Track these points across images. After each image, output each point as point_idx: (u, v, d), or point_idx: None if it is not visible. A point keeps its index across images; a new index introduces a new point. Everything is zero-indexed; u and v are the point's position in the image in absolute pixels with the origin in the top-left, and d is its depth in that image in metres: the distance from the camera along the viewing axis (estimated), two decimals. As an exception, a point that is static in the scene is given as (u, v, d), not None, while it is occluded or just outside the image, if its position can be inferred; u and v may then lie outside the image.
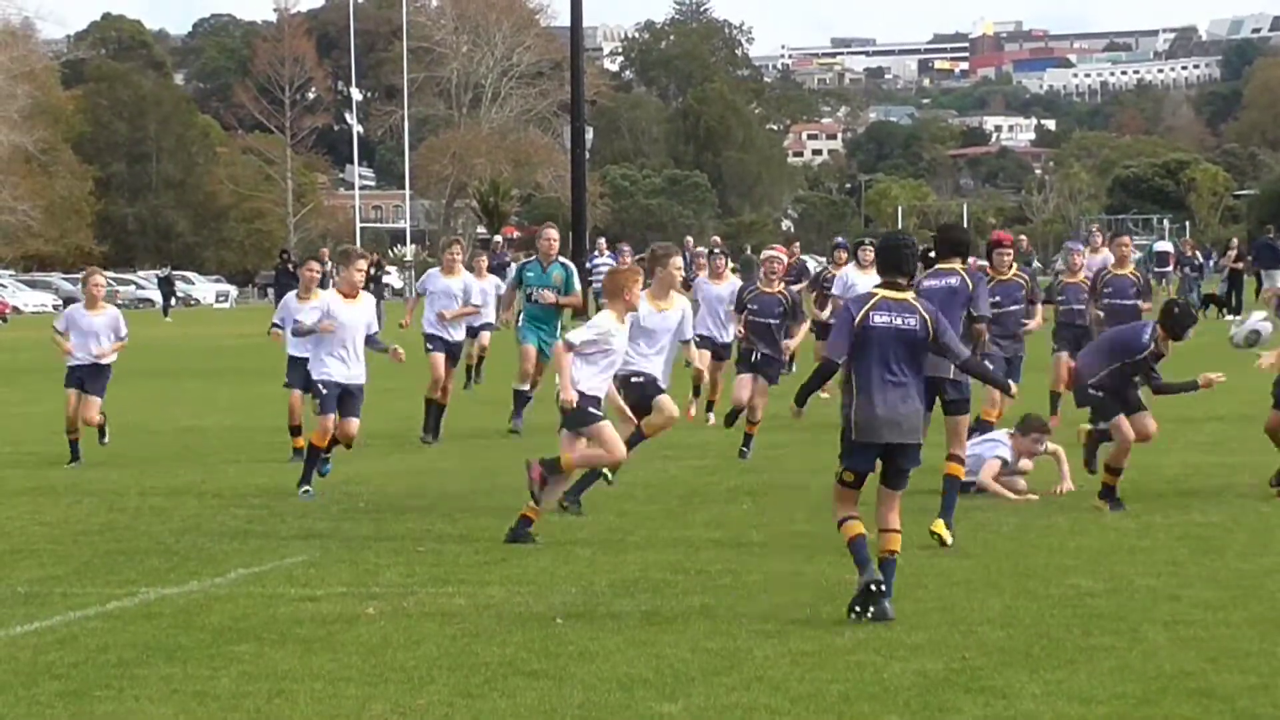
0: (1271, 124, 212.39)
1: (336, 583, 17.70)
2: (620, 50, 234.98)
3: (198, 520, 22.06)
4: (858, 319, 15.47)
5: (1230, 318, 60.76)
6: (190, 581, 17.84)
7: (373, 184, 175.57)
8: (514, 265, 39.23)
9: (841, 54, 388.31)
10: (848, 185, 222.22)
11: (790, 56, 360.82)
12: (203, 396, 42.85)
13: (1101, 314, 28.18)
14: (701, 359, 28.09)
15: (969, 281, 19.71)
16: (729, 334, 31.33)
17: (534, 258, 31.56)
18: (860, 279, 31.88)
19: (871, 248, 31.72)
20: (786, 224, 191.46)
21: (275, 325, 29.53)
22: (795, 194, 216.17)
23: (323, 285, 29.23)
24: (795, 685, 13.03)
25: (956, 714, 12.24)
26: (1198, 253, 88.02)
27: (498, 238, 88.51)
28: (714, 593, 16.69)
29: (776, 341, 27.88)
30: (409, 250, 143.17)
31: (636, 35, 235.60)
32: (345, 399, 23.65)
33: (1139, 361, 21.40)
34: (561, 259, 31.56)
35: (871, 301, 15.65)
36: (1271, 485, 22.13)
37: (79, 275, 30.27)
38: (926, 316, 15.65)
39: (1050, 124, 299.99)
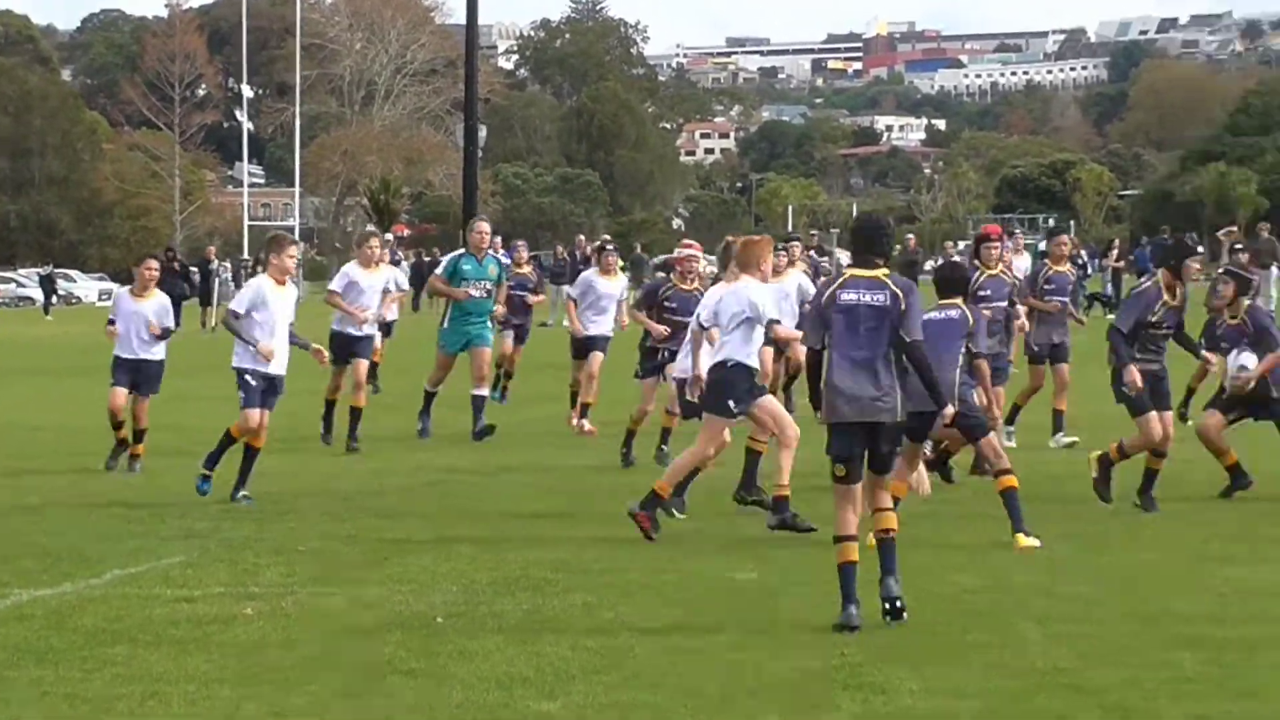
0: (1156, 125, 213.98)
1: (214, 583, 17.59)
2: (515, 48, 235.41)
3: (74, 520, 21.95)
4: (825, 298, 15.31)
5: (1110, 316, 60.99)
6: (64, 583, 17.69)
7: (262, 182, 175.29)
8: (403, 263, 38.57)
9: (736, 53, 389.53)
10: (739, 184, 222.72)
11: (685, 55, 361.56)
12: (83, 395, 42.48)
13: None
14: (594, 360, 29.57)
15: (969, 315, 19.96)
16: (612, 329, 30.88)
17: (465, 251, 30.94)
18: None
19: (784, 254, 30.86)
20: (677, 223, 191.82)
21: (110, 322, 28.12)
22: (687, 193, 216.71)
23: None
24: (674, 683, 13.01)
25: (834, 710, 12.26)
26: (1082, 251, 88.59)
27: (389, 235, 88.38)
28: (595, 591, 16.67)
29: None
30: (297, 249, 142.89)
31: (531, 33, 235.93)
32: (268, 392, 23.37)
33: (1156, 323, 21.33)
34: (494, 252, 31.43)
35: (840, 280, 15.47)
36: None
37: None
38: (898, 291, 15.18)
39: (940, 124, 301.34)
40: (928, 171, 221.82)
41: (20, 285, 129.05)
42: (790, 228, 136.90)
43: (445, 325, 30.40)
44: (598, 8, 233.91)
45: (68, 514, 22.51)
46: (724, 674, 13.30)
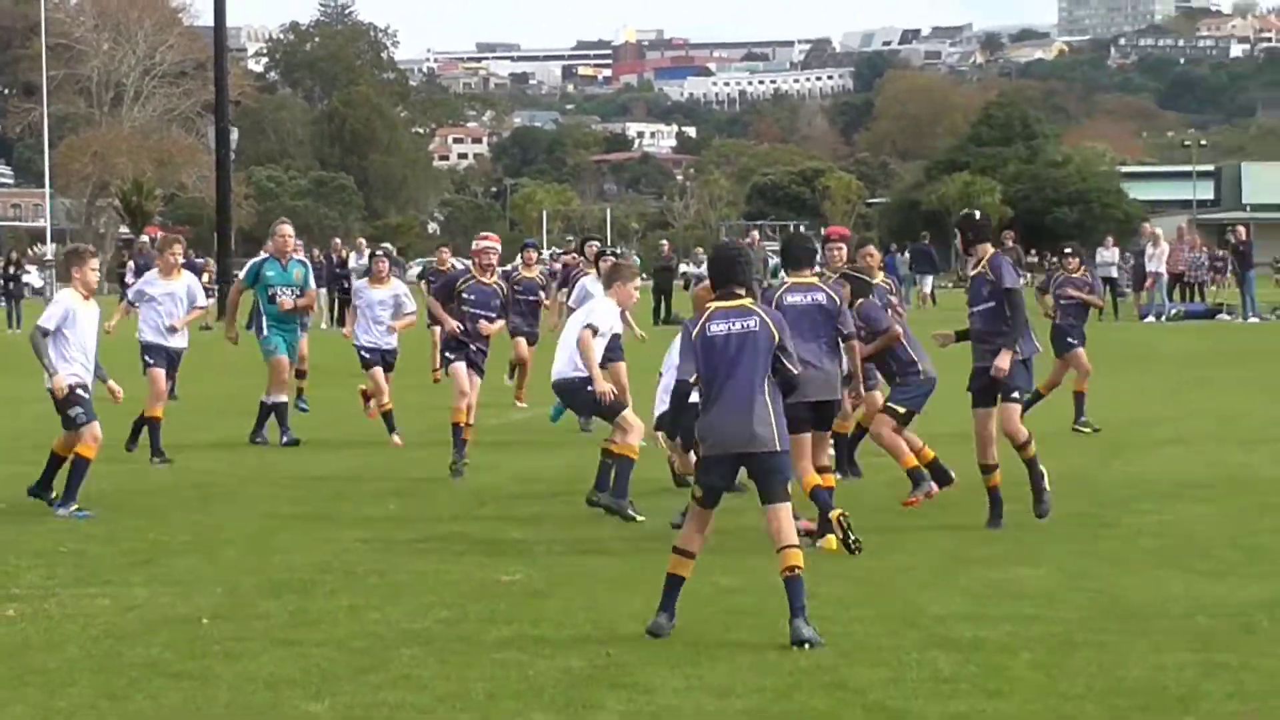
0: (901, 135, 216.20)
1: (-23, 585, 17.43)
2: (265, 51, 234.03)
3: None
4: (695, 333, 14.85)
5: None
6: None
7: (11, 182, 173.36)
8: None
9: (486, 59, 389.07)
10: (493, 189, 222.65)
11: (436, 60, 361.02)
12: None
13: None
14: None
15: (834, 296, 19.74)
16: (393, 340, 29.88)
17: (268, 256, 29.82)
18: (598, 288, 27.73)
19: (612, 258, 30.54)
20: (433, 226, 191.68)
21: None
22: (442, 197, 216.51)
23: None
24: (441, 684, 13.02)
25: (600, 709, 12.31)
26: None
27: (144, 238, 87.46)
28: (361, 593, 16.66)
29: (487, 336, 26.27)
30: (49, 249, 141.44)
31: (281, 36, 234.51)
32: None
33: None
34: (299, 255, 30.52)
35: (706, 314, 14.96)
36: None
37: None
38: (767, 319, 14.89)
39: (691, 131, 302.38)
40: (680, 178, 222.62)
41: None
42: (545, 232, 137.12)
43: (265, 332, 29.36)
44: (346, 11, 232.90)
45: None
46: (490, 674, 13.29)
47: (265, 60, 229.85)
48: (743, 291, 15.03)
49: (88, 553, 19.20)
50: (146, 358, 27.87)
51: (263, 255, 30.31)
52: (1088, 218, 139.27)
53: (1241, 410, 30.32)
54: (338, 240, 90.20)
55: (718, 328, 14.73)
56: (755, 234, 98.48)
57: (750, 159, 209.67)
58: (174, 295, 27.94)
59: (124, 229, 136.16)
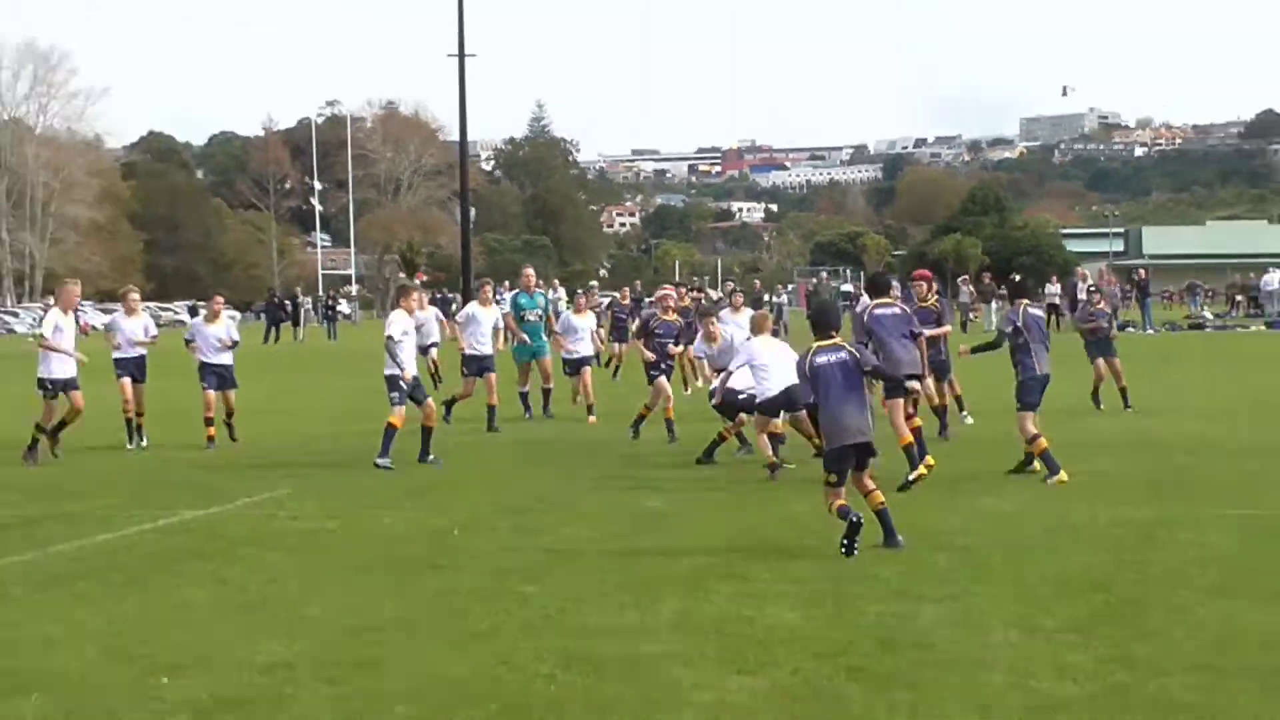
0: (915, 208, 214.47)
1: (310, 508, 17.53)
2: (492, 156, 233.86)
3: (214, 466, 21.90)
4: (806, 364, 14.25)
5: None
6: (212, 506, 17.68)
7: (329, 244, 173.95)
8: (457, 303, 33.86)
9: (637, 160, 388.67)
10: (642, 247, 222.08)
11: (604, 161, 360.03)
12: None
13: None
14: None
15: (905, 309, 19.99)
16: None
17: (518, 290, 29.62)
18: (733, 320, 26.46)
19: (741, 294, 30.37)
20: (603, 272, 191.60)
21: (188, 340, 26.84)
22: (609, 252, 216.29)
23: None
24: (613, 576, 13.01)
25: (715, 592, 12.24)
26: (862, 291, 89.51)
27: (416, 280, 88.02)
28: (560, 514, 16.64)
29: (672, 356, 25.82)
30: (354, 289, 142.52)
31: (503, 146, 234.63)
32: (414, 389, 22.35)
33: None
34: (539, 289, 29.93)
35: (811, 350, 14.28)
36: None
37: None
38: (854, 351, 14.41)
39: (774, 207, 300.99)
40: (766, 238, 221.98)
41: (175, 313, 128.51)
42: (678, 276, 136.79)
43: (515, 346, 28.61)
44: (545, 129, 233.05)
45: (209, 463, 22.48)
46: (643, 570, 13.31)
47: (492, 162, 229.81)
48: (835, 333, 14.53)
49: (381, 487, 19.37)
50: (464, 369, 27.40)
51: (515, 290, 30.24)
52: (1040, 263, 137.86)
53: (1146, 393, 29.92)
54: (540, 281, 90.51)
55: (821, 359, 14.22)
56: (824, 274, 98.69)
57: (813, 225, 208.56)
58: (488, 318, 27.23)
59: (401, 275, 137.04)
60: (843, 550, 13.61)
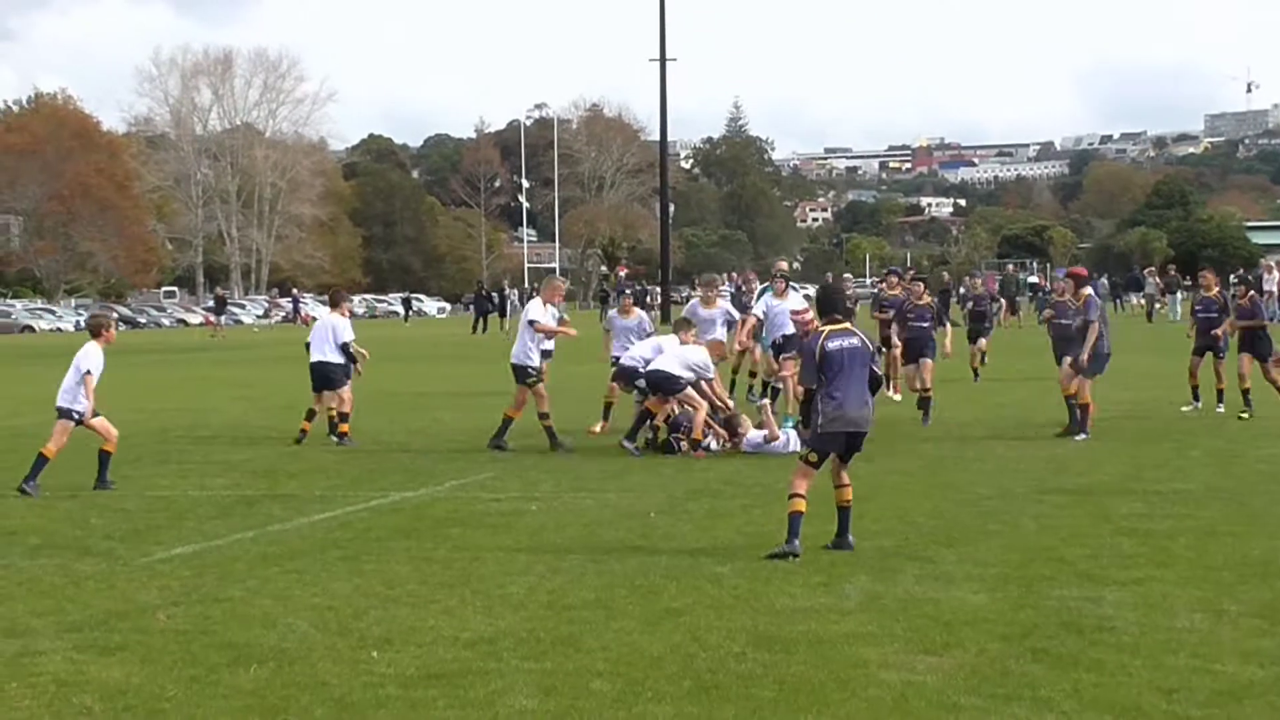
0: (1101, 203, 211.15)
1: (512, 490, 17.67)
2: (691, 154, 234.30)
3: (423, 451, 22.11)
4: (817, 349, 13.32)
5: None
6: (421, 488, 17.87)
7: (535, 239, 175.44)
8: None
9: (830, 158, 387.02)
10: (834, 240, 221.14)
11: (798, 159, 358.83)
12: (429, 372, 42.93)
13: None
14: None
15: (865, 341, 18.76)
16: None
17: (768, 285, 27.43)
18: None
19: (894, 275, 28.84)
20: (797, 264, 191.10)
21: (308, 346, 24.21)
22: (801, 246, 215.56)
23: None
24: (802, 555, 12.95)
25: (901, 573, 12.14)
26: (1047, 282, 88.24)
27: (620, 272, 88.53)
28: (751, 498, 16.57)
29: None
30: (558, 281, 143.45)
31: (701, 145, 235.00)
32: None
33: None
34: (793, 284, 27.35)
35: (824, 334, 13.36)
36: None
37: (350, 296, 25.66)
38: (864, 338, 13.46)
39: (962, 202, 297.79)
40: (954, 232, 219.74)
41: (390, 304, 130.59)
42: (868, 270, 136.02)
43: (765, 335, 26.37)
44: (742, 129, 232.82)
45: (420, 446, 22.69)
46: (829, 551, 13.30)
47: (691, 160, 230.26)
48: (841, 317, 13.52)
49: (580, 470, 19.41)
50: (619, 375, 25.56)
51: (764, 285, 28.58)
52: (1224, 256, 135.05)
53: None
54: (734, 273, 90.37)
55: (833, 344, 13.23)
56: (1010, 266, 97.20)
57: (1000, 220, 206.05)
58: (626, 328, 24.93)
59: (603, 268, 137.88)
60: (774, 556, 12.80)
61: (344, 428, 23.09)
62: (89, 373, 17.93)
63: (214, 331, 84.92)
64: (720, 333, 25.09)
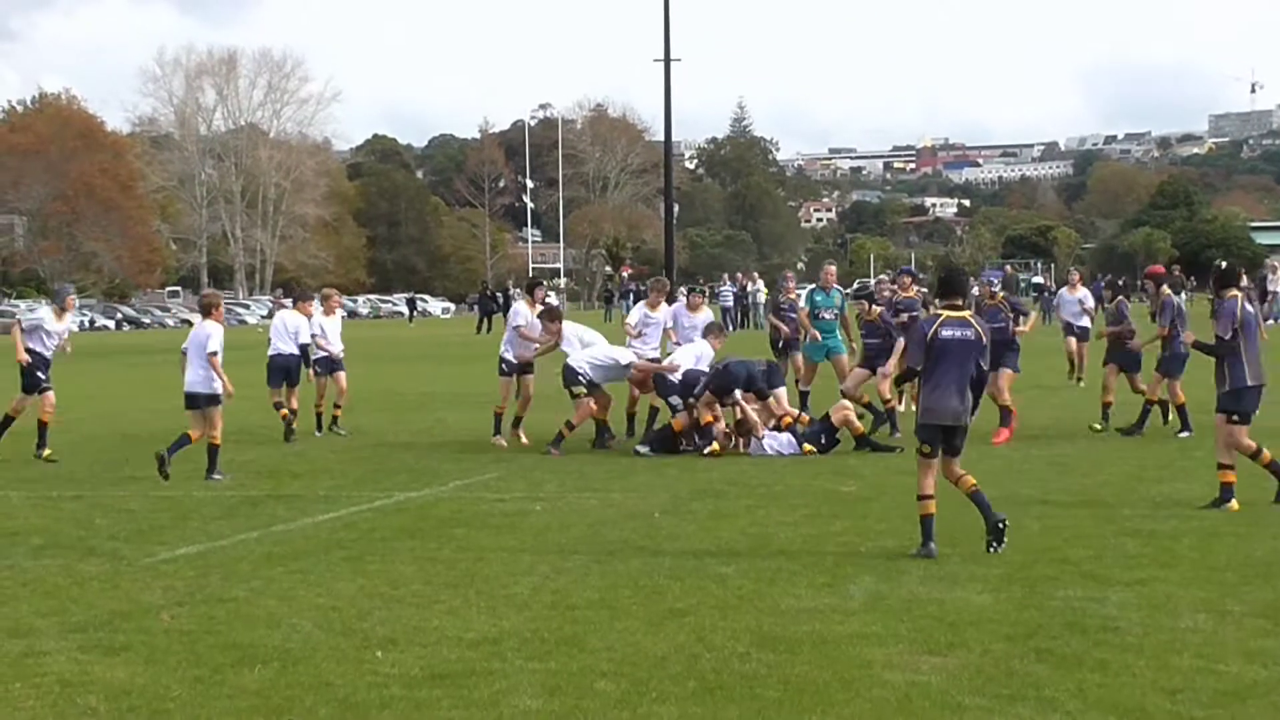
0: (1105, 203, 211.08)
1: (517, 490, 17.70)
2: (695, 155, 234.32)
3: (427, 450, 22.11)
4: (930, 332, 12.84)
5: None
6: (425, 489, 17.89)
7: (539, 240, 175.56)
8: (629, 295, 28.05)
9: (834, 158, 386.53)
10: (839, 240, 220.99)
11: (802, 159, 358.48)
12: (434, 372, 42.95)
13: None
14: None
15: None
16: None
17: (817, 286, 26.29)
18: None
19: (907, 276, 27.23)
20: (800, 265, 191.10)
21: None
22: (806, 246, 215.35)
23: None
24: (804, 556, 12.92)
25: (907, 574, 12.13)
26: (1052, 283, 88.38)
27: (623, 272, 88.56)
28: (755, 498, 16.58)
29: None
30: (562, 281, 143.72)
31: (705, 145, 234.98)
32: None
33: None
34: (837, 286, 26.08)
35: (939, 320, 12.88)
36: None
37: (354, 297, 26.41)
38: (981, 331, 12.94)
39: (966, 203, 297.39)
40: (959, 233, 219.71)
41: (394, 305, 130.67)
42: (872, 271, 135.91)
43: (808, 342, 25.39)
44: (746, 129, 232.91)
45: (424, 447, 22.69)
46: (835, 549, 13.21)
47: (695, 161, 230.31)
48: (962, 303, 13.10)
49: (584, 470, 19.42)
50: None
51: (812, 285, 27.27)
52: (1227, 256, 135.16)
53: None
54: (739, 274, 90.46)
55: (947, 333, 12.77)
56: (1009, 267, 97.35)
57: (1005, 220, 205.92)
58: (657, 322, 24.04)
59: (607, 268, 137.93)
60: (920, 553, 12.71)
61: (337, 412, 24.74)
62: (214, 353, 18.73)
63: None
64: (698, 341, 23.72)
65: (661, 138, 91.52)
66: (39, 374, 21.33)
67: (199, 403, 18.97)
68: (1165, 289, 22.54)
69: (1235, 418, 15.42)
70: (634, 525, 14.80)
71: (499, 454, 21.26)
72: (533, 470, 19.52)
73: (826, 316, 25.28)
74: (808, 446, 20.68)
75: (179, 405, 19.66)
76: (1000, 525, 12.82)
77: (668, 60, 76.43)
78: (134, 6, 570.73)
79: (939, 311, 13.12)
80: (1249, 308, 15.86)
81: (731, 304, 76.50)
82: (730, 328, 70.21)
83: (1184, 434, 21.78)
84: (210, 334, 18.83)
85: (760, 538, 13.89)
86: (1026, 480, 17.69)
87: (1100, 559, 12.57)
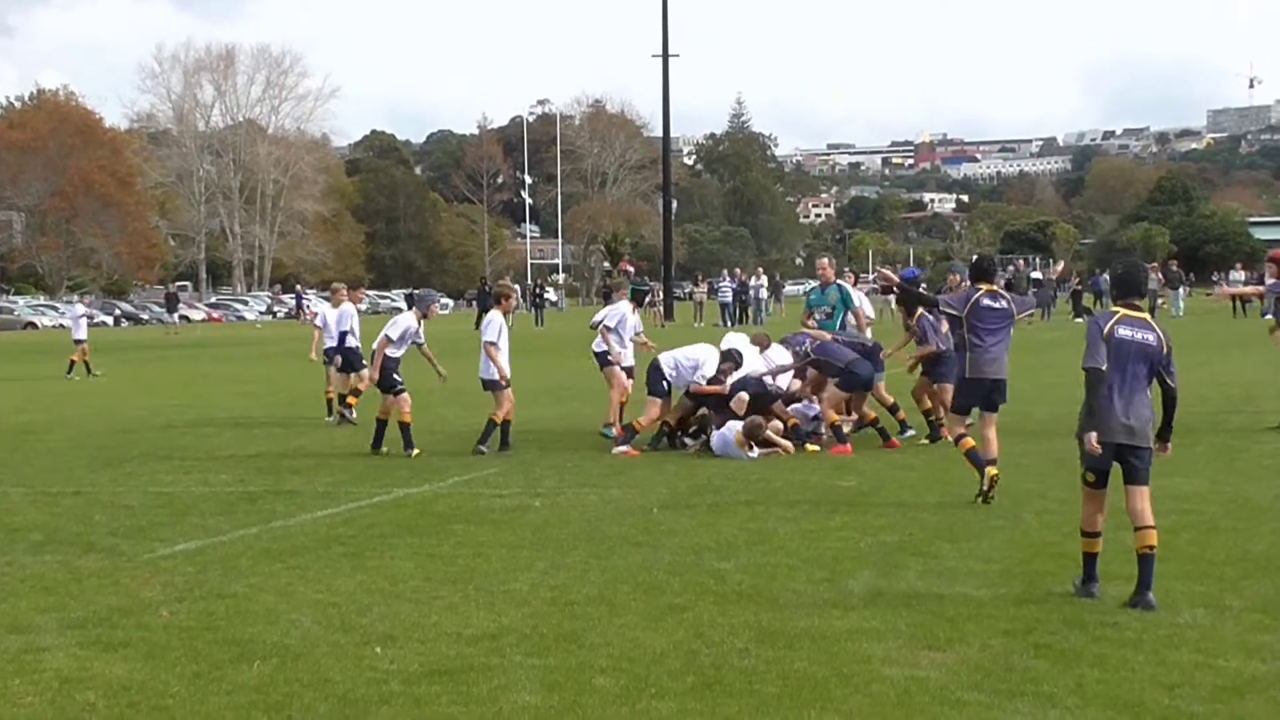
0: (1103, 199, 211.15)
1: (515, 486, 17.64)
2: (694, 151, 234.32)
3: (428, 445, 22.05)
4: (1106, 331, 11.03)
5: (1078, 320, 60.87)
6: (424, 485, 17.87)
7: (538, 235, 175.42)
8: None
9: (833, 153, 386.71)
10: (837, 236, 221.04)
11: (800, 154, 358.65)
12: (431, 368, 42.73)
13: None
14: None
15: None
16: None
17: (817, 284, 24.78)
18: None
19: (956, 275, 26.06)
20: (799, 260, 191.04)
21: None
22: (804, 241, 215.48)
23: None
24: (804, 551, 12.92)
25: (905, 569, 12.12)
26: (1052, 278, 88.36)
27: (622, 267, 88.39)
28: (754, 493, 16.58)
29: None
30: (560, 277, 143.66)
31: (704, 141, 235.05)
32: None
33: None
34: (837, 282, 24.33)
35: (1116, 318, 11.12)
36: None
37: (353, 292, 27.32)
38: (1162, 336, 11.20)
39: (965, 198, 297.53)
40: (957, 228, 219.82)
41: (394, 301, 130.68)
42: (870, 265, 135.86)
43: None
44: (744, 124, 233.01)
45: (425, 443, 22.63)
46: (835, 545, 13.16)
47: (694, 156, 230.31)
48: (1140, 304, 11.45)
49: (584, 467, 19.40)
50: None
51: (811, 284, 26.37)
52: (1226, 251, 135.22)
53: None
54: (739, 269, 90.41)
55: (1124, 331, 11.08)
56: (1021, 261, 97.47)
57: (1003, 215, 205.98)
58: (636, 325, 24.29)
59: (606, 264, 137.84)
60: (1076, 591, 11.21)
61: (352, 400, 25.96)
62: (492, 343, 21.37)
63: (169, 329, 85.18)
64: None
65: (660, 133, 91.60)
66: (394, 376, 22.26)
67: (485, 387, 21.72)
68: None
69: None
70: (633, 521, 14.79)
71: (497, 452, 21.21)
72: (531, 466, 19.50)
73: (819, 317, 23.80)
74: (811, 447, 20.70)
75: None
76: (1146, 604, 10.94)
77: (666, 56, 76.46)
78: (132, 2, 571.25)
79: (1115, 308, 11.55)
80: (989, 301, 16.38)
81: (731, 299, 76.55)
82: (729, 323, 70.26)
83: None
84: (491, 322, 21.58)
85: (759, 533, 13.88)
86: (1025, 474, 17.66)
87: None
